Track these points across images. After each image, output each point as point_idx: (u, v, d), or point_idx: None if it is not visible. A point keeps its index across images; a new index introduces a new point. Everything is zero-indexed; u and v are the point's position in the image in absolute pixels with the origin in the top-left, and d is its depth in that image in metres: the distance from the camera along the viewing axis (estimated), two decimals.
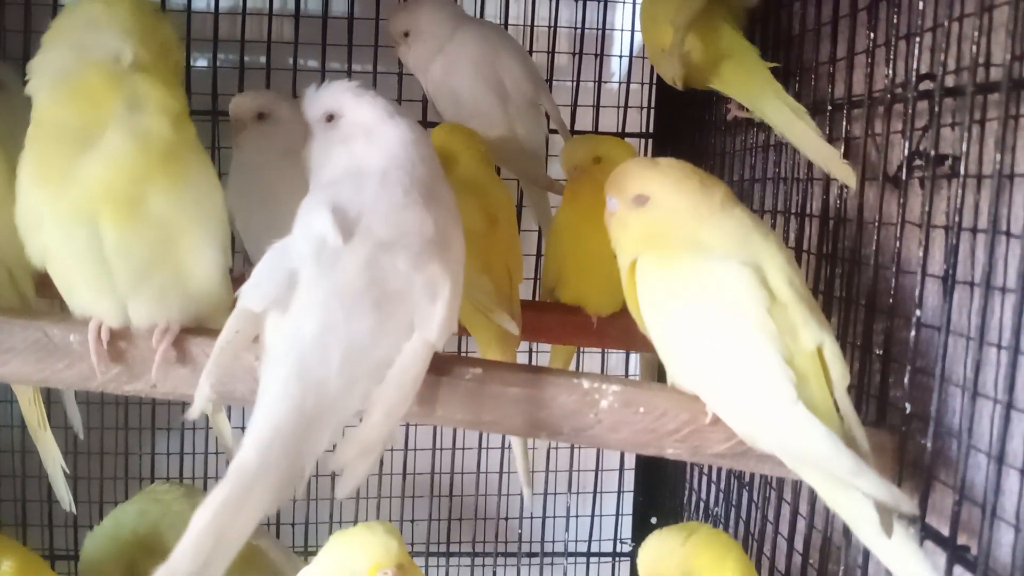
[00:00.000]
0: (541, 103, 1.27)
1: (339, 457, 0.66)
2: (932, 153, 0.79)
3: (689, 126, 1.46)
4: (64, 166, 0.72)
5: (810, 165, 1.02)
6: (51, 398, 1.10)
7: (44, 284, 0.84)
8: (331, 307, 0.68)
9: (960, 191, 0.76)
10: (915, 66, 0.82)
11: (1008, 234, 0.73)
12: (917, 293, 0.80)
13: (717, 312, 0.74)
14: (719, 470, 1.35)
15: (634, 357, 1.57)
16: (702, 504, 1.42)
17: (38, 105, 0.74)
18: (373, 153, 0.78)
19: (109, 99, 0.72)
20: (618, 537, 1.66)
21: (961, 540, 0.74)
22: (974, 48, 0.74)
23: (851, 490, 0.69)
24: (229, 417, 1.11)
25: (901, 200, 0.84)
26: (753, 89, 1.03)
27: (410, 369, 0.69)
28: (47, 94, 0.74)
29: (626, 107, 1.49)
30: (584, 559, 1.64)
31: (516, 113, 1.24)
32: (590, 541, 1.63)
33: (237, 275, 0.81)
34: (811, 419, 0.68)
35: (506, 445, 1.54)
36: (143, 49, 0.74)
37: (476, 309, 1.02)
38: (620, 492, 1.65)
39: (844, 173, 0.91)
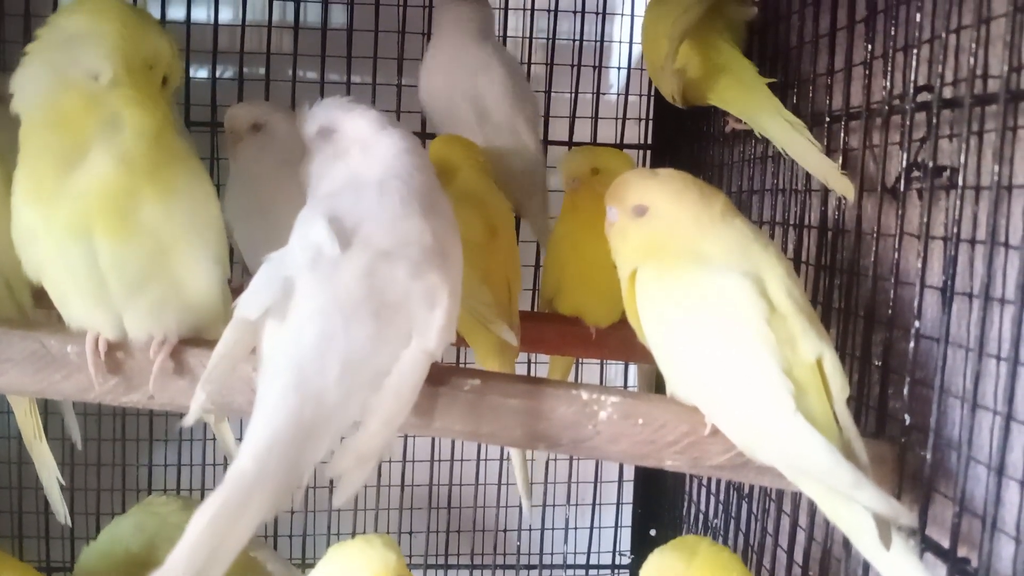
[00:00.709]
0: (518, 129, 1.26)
1: (336, 465, 0.66)
2: (930, 165, 0.79)
3: (687, 138, 1.46)
4: (54, 184, 0.72)
5: (808, 177, 1.02)
6: (48, 409, 1.10)
7: (42, 295, 0.84)
8: (330, 316, 0.68)
9: (958, 202, 0.76)
10: (913, 78, 0.82)
11: (1007, 245, 0.73)
12: (916, 304, 0.80)
13: (716, 323, 0.74)
14: (718, 482, 1.35)
15: (633, 368, 1.57)
16: (701, 516, 1.42)
17: (23, 124, 0.74)
18: (369, 164, 0.78)
19: (87, 121, 0.72)
20: (617, 549, 1.66)
21: (961, 552, 0.74)
22: (972, 60, 0.75)
23: (850, 502, 0.69)
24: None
25: (899, 211, 0.84)
26: (751, 104, 1.03)
27: (408, 377, 0.69)
28: (30, 114, 0.74)
29: (624, 119, 1.49)
30: (583, 571, 1.63)
31: (494, 132, 1.23)
32: (589, 553, 1.62)
33: (236, 287, 0.81)
34: (810, 431, 0.68)
35: (505, 457, 1.54)
36: (123, 66, 0.74)
37: (475, 320, 1.02)
38: (619, 504, 1.64)
39: (843, 186, 0.91)
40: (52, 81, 0.73)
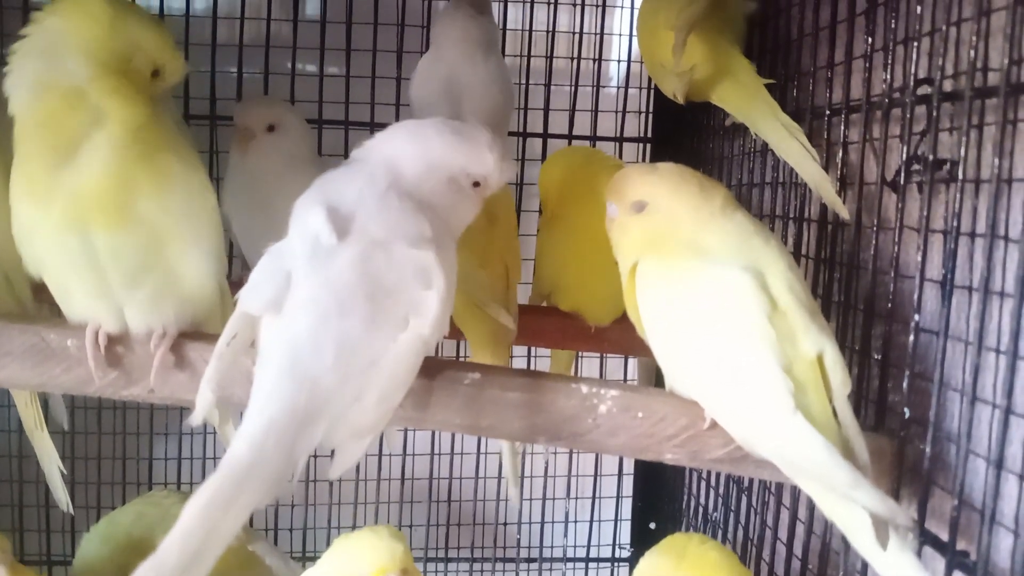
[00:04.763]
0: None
1: (331, 438, 0.66)
2: (930, 158, 0.79)
3: (688, 131, 1.46)
4: (49, 180, 0.73)
5: None
6: (50, 402, 1.10)
7: (40, 290, 0.84)
8: (324, 303, 0.68)
9: (958, 196, 0.76)
10: (913, 71, 0.82)
11: (1006, 239, 0.73)
12: (915, 298, 0.80)
13: (717, 318, 0.74)
14: (718, 475, 1.35)
15: (632, 362, 1.57)
16: (701, 509, 1.42)
17: (16, 124, 0.75)
18: (364, 153, 0.78)
19: (73, 119, 0.73)
20: (617, 542, 1.66)
21: (960, 545, 0.74)
22: (972, 53, 0.74)
23: (848, 501, 0.69)
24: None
25: (899, 205, 0.84)
26: (750, 108, 1.03)
27: (403, 358, 0.69)
28: (21, 115, 0.75)
29: (624, 112, 1.49)
30: (583, 564, 1.64)
31: None
32: (588, 546, 1.62)
33: (236, 280, 0.81)
34: (809, 430, 0.68)
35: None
36: (98, 65, 0.74)
37: (471, 304, 1.01)
38: (619, 497, 1.64)
39: (835, 201, 0.92)
40: (37, 82, 0.74)
